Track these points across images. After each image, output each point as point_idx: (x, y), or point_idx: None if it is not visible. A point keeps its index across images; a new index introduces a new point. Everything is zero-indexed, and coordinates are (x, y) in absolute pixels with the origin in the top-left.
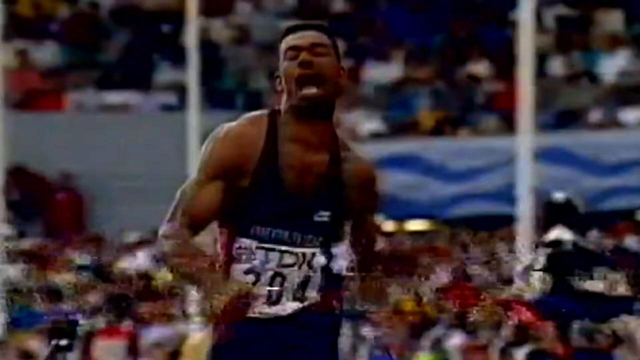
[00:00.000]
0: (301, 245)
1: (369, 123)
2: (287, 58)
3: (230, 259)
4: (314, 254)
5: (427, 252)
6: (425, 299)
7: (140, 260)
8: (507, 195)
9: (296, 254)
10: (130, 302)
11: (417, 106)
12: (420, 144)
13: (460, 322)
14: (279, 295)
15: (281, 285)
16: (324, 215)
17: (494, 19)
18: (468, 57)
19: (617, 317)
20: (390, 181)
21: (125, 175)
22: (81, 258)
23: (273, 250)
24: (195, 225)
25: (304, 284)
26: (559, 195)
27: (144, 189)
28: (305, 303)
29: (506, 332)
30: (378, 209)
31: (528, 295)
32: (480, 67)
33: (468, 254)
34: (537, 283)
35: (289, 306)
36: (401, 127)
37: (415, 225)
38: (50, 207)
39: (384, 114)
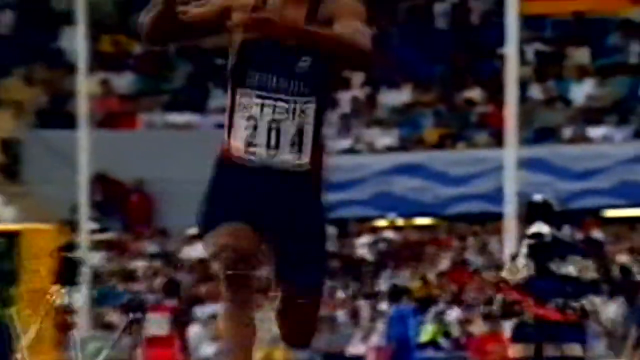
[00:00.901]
0: (292, 94)
1: (384, 138)
2: None
3: (233, 110)
4: (306, 102)
5: (431, 243)
6: (430, 281)
7: (198, 251)
8: (496, 196)
9: (288, 102)
10: (180, 284)
11: (423, 125)
12: (425, 155)
13: (458, 300)
14: (277, 142)
15: (277, 133)
16: (306, 61)
17: (486, 53)
18: (465, 84)
19: (586, 297)
20: (401, 185)
21: (186, 180)
22: (151, 248)
23: (268, 98)
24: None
25: (300, 134)
26: (537, 197)
27: (201, 191)
28: (299, 159)
29: (496, 307)
30: (358, 16)
31: (514, 278)
32: (474, 93)
33: (464, 244)
34: (522, 268)
35: (285, 158)
36: (410, 142)
37: (421, 221)
38: (126, 207)
39: (396, 131)
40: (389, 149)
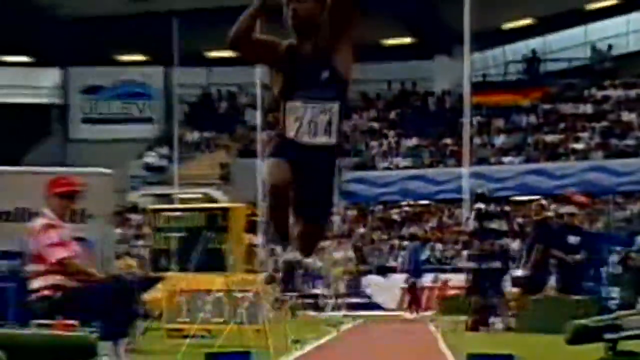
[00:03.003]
0: (321, 100)
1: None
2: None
3: (285, 115)
4: (330, 103)
5: (426, 213)
6: (427, 232)
7: None
8: (459, 190)
9: (319, 104)
10: None
11: (423, 156)
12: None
13: (440, 240)
14: (315, 131)
15: (315, 125)
16: (326, 73)
17: (454, 124)
18: (446, 138)
19: (502, 239)
20: (409, 188)
21: None
22: None
23: (307, 104)
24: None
25: (329, 124)
26: (479, 190)
27: None
28: (329, 140)
29: (459, 244)
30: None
31: (467, 230)
32: (450, 141)
33: (443, 214)
34: (471, 225)
35: (321, 140)
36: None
37: (421, 202)
38: None
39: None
40: (406, 168)
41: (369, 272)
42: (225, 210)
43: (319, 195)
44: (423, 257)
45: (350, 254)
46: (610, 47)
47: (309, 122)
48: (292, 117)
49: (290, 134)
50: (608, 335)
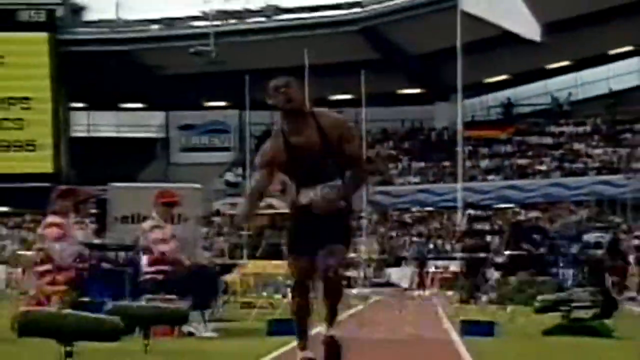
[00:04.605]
0: (318, 182)
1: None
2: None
3: (284, 188)
4: (325, 183)
5: (431, 217)
6: (431, 231)
7: None
8: (454, 200)
9: (314, 187)
10: None
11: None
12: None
13: (440, 237)
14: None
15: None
16: (325, 163)
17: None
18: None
19: (484, 237)
20: (418, 199)
21: None
22: None
23: (307, 188)
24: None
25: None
26: (469, 200)
27: None
28: (342, 203)
29: (455, 238)
30: (352, 139)
31: (460, 229)
32: (447, 163)
33: (443, 218)
34: (463, 226)
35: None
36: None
37: (428, 209)
38: None
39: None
40: (415, 183)
41: (388, 260)
42: (282, 214)
43: (335, 237)
44: (427, 249)
45: (375, 246)
46: (567, 95)
47: (321, 197)
48: (304, 195)
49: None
50: (564, 307)
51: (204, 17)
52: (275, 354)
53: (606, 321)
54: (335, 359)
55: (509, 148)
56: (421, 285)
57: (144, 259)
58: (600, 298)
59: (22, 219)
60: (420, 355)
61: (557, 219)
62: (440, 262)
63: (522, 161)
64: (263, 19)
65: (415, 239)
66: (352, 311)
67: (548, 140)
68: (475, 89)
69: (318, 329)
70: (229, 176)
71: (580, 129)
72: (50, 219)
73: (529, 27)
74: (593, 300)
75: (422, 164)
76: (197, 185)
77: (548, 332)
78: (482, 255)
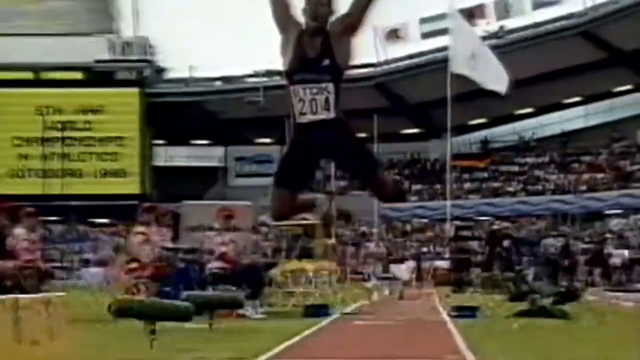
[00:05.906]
0: (320, 82)
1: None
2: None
3: (291, 99)
4: (327, 83)
5: (427, 229)
6: (431, 239)
7: None
8: (444, 213)
9: (318, 86)
10: None
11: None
12: (426, 203)
13: (432, 242)
14: (316, 108)
15: (316, 103)
16: (326, 61)
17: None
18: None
19: (469, 242)
20: (416, 213)
21: None
22: None
23: (308, 86)
24: None
25: (327, 101)
26: (456, 214)
27: None
28: (330, 115)
29: (445, 243)
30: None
31: (448, 236)
32: (438, 186)
33: (438, 228)
34: (451, 233)
35: (322, 116)
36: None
37: (427, 220)
38: None
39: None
40: (415, 200)
41: (393, 260)
42: (312, 225)
43: (358, 157)
44: (423, 252)
45: (383, 249)
46: (531, 134)
47: (310, 100)
48: (296, 99)
49: (296, 113)
50: (530, 296)
51: (255, 74)
52: (308, 331)
53: (562, 307)
54: None
55: (485, 174)
56: (419, 280)
57: (209, 259)
58: (558, 289)
59: (116, 229)
60: (421, 332)
61: (522, 228)
62: (434, 262)
63: (496, 184)
64: None
65: (414, 243)
66: (366, 301)
67: (515, 168)
68: (461, 129)
69: (352, 307)
70: None
71: (540, 160)
72: (137, 228)
73: (502, 84)
74: (552, 291)
75: (419, 186)
76: (248, 203)
77: (518, 314)
78: (465, 256)
